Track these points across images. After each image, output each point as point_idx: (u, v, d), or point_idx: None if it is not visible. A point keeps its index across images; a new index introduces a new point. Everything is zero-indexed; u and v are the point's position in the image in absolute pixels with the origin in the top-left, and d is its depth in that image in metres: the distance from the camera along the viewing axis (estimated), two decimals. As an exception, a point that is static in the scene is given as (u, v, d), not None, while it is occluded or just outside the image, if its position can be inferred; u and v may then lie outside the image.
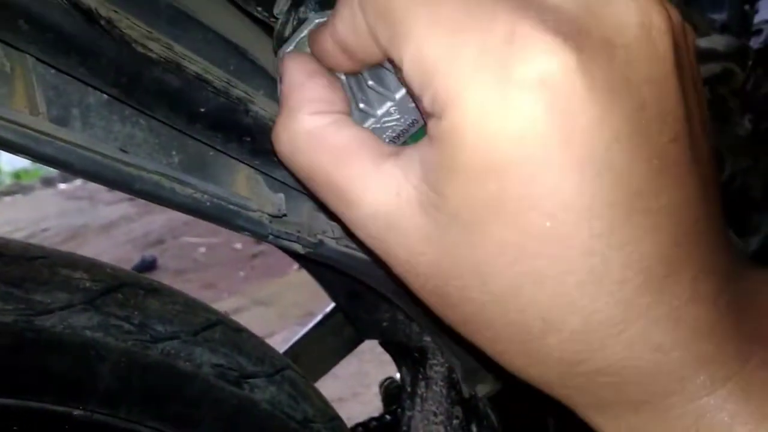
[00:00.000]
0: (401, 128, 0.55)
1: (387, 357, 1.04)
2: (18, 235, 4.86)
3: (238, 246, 3.86)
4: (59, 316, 0.59)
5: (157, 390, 0.65)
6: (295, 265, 3.62)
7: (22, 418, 0.59)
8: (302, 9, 0.50)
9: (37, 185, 6.06)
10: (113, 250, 4.32)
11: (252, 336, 0.76)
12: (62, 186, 5.72)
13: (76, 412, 0.61)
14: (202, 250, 4.09)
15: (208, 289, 3.71)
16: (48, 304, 0.59)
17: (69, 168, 0.51)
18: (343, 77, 0.53)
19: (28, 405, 0.59)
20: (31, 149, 0.49)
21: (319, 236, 0.65)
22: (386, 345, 1.02)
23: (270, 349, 0.78)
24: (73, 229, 4.66)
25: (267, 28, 0.59)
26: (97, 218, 4.65)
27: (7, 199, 5.59)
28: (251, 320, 3.08)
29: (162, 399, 0.65)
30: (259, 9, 0.54)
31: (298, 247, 0.65)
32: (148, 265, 4.18)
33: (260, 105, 0.54)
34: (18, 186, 6.31)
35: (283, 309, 3.26)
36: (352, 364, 1.25)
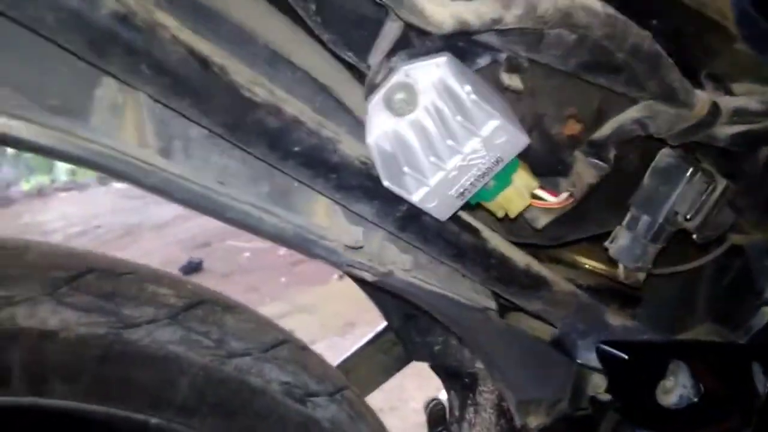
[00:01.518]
0: (486, 166, 0.57)
1: (427, 371, 1.05)
2: (71, 231, 5.03)
3: (282, 252, 3.92)
4: (146, 329, 0.63)
5: (229, 404, 0.68)
6: (336, 275, 3.66)
7: (105, 423, 0.63)
8: (394, 59, 0.53)
9: (92, 182, 6.27)
10: (162, 250, 4.44)
11: (315, 355, 0.79)
12: (117, 185, 5.92)
13: (153, 421, 0.64)
14: (247, 254, 4.17)
15: (251, 292, 3.78)
16: (136, 318, 0.63)
17: (170, 197, 0.55)
18: (428, 118, 0.56)
19: (111, 412, 0.63)
20: (136, 179, 0.53)
21: (389, 266, 0.68)
22: (436, 368, 1.04)
23: (330, 368, 0.81)
24: (125, 228, 4.82)
25: (352, 68, 0.62)
26: (149, 218, 4.79)
27: (63, 194, 5.81)
28: (293, 327, 3.13)
29: (233, 412, 0.68)
30: (351, 54, 0.57)
31: (368, 276, 0.68)
32: (195, 267, 4.28)
33: (346, 144, 0.57)
34: (73, 183, 6.54)
35: (325, 318, 3.29)
36: (391, 377, 1.27)
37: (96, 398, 0.63)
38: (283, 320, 3.36)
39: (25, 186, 6.30)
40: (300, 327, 3.21)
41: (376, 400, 1.26)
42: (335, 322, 3.20)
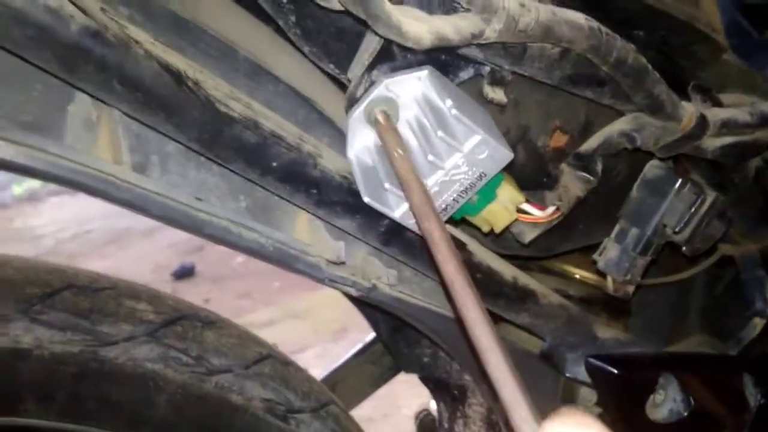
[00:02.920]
0: (469, 182, 0.56)
1: (417, 381, 1.04)
2: (63, 236, 4.99)
3: (275, 257, 3.88)
4: (122, 347, 0.62)
5: (209, 422, 0.67)
6: (330, 280, 3.64)
7: (83, 443, 0.62)
8: (375, 72, 0.52)
9: (84, 186, 6.19)
10: (154, 255, 4.40)
11: (299, 370, 0.78)
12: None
13: (132, 440, 0.63)
14: (240, 259, 4.14)
15: (243, 298, 3.75)
16: (112, 335, 0.62)
17: (146, 213, 0.54)
18: (410, 132, 0.55)
19: (88, 431, 0.62)
20: (111, 195, 0.51)
21: (373, 281, 0.66)
22: (425, 380, 1.03)
23: (315, 384, 0.80)
24: (117, 232, 4.78)
25: (336, 80, 0.61)
26: (140, 222, 4.75)
27: (54, 199, 5.76)
28: (285, 333, 3.11)
29: (213, 431, 0.67)
30: (332, 66, 0.56)
31: (352, 291, 0.66)
32: (187, 272, 4.24)
33: (327, 159, 0.56)
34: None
35: (317, 324, 3.27)
36: (380, 388, 1.27)
37: (72, 417, 0.61)
38: (276, 326, 3.34)
39: (16, 190, 6.26)
40: (292, 333, 3.19)
41: (368, 407, 1.25)
42: (328, 328, 3.18)
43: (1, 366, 0.57)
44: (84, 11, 0.42)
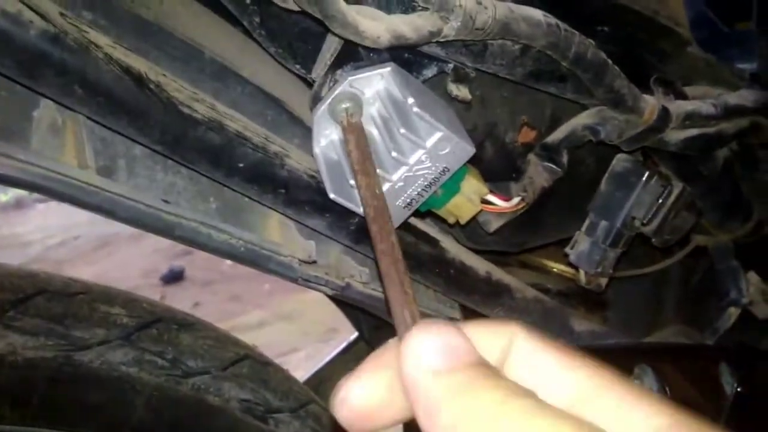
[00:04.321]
0: (432, 176, 0.56)
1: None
2: (50, 242, 4.97)
3: (264, 259, 3.87)
4: (97, 351, 0.62)
5: (186, 423, 0.67)
6: (320, 280, 3.64)
7: (59, 448, 0.62)
8: (339, 71, 0.52)
9: (71, 192, 6.15)
10: (142, 260, 4.38)
11: (278, 370, 0.78)
12: (95, 194, 5.82)
13: (109, 444, 0.63)
14: (229, 261, 4.14)
15: (233, 301, 3.74)
16: (87, 339, 0.62)
17: (114, 217, 0.54)
18: (374, 129, 0.55)
19: (64, 436, 0.62)
20: (78, 200, 0.52)
21: (347, 279, 0.67)
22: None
23: (295, 383, 0.80)
24: (104, 238, 4.76)
25: (303, 79, 0.61)
26: (128, 228, 4.72)
27: (41, 206, 5.73)
28: (276, 336, 3.11)
29: (191, 432, 0.67)
30: (298, 67, 0.56)
31: (326, 290, 0.67)
32: (176, 276, 4.23)
33: (295, 158, 0.56)
34: (52, 193, 6.41)
35: (306, 325, 3.27)
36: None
37: (47, 422, 0.61)
38: (266, 328, 3.34)
39: (2, 197, 6.22)
40: (282, 335, 3.19)
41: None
42: (318, 329, 3.18)
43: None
44: (43, 16, 0.42)
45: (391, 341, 0.29)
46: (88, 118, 0.49)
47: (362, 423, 0.28)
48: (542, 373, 0.28)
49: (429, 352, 0.26)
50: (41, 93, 0.46)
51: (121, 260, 4.56)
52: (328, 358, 1.25)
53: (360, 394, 0.28)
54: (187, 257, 4.44)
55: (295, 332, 3.26)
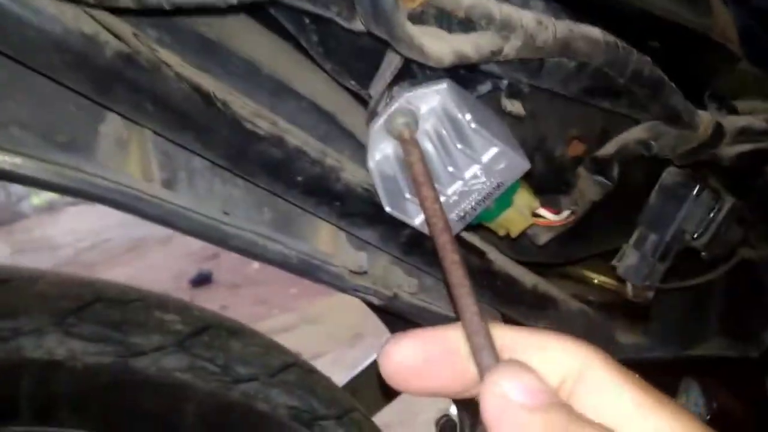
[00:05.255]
0: (487, 191, 0.57)
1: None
2: (81, 245, 5.05)
3: (291, 263, 3.89)
4: (152, 357, 0.64)
5: (236, 429, 0.68)
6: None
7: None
8: (396, 88, 0.53)
9: (101, 195, 6.24)
10: (171, 263, 4.45)
11: (323, 377, 0.79)
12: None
13: (162, 449, 0.65)
14: (256, 266, 4.17)
15: (260, 305, 3.78)
16: (142, 346, 0.63)
17: (176, 227, 0.55)
18: (429, 145, 0.56)
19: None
20: (143, 212, 0.53)
21: (395, 290, 0.68)
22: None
23: (339, 391, 0.81)
24: (134, 241, 4.84)
25: (355, 94, 0.62)
26: (157, 230, 4.80)
27: (72, 209, 5.84)
28: (301, 339, 3.12)
29: (240, 439, 0.68)
30: (353, 83, 0.57)
31: (374, 299, 0.68)
32: (204, 279, 4.28)
33: (349, 172, 0.57)
34: (83, 196, 6.52)
35: (333, 329, 3.29)
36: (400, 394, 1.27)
37: (103, 427, 0.63)
38: (292, 332, 3.36)
39: (35, 200, 6.34)
40: (308, 339, 3.21)
41: (385, 414, 1.26)
42: (344, 333, 3.19)
43: (36, 377, 0.59)
44: (118, 37, 0.44)
45: (448, 329, 0.32)
46: (155, 132, 0.51)
47: (395, 378, 0.31)
48: (618, 410, 0.28)
49: (517, 388, 0.27)
50: (112, 109, 0.48)
51: (151, 263, 4.63)
52: (362, 366, 1.25)
53: (402, 353, 0.31)
54: (215, 261, 4.49)
55: (321, 336, 3.27)
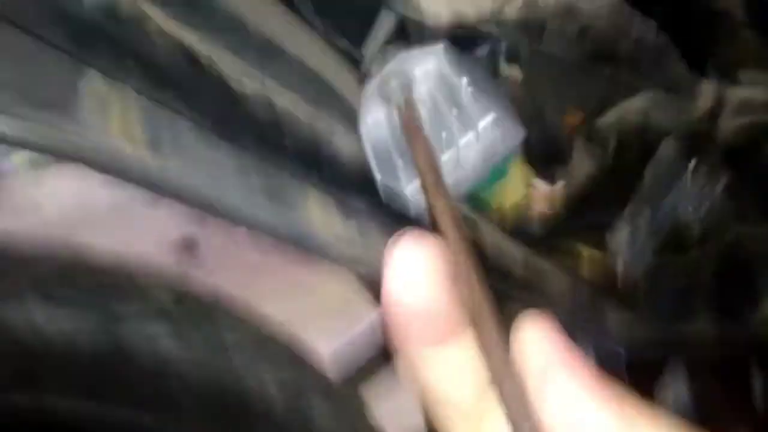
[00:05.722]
0: (481, 159, 0.55)
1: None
2: (65, 205, 5.02)
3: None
4: (137, 324, 0.62)
5: (222, 401, 0.67)
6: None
7: (98, 422, 0.62)
8: (389, 49, 0.51)
9: (86, 158, 6.18)
10: (156, 225, 4.43)
11: (310, 350, 0.79)
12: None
13: (146, 419, 0.64)
14: (243, 230, 4.17)
15: (247, 270, 3.79)
16: (127, 313, 0.62)
17: (159, 191, 0.53)
18: (423, 109, 0.54)
19: (103, 410, 0.62)
20: (125, 174, 0.51)
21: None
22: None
23: (326, 364, 0.80)
24: (119, 203, 4.81)
25: (347, 55, 0.60)
26: (142, 191, 4.75)
27: (55, 169, 5.78)
28: (289, 307, 3.14)
29: (227, 411, 0.67)
30: (345, 42, 0.55)
31: (362, 269, 0.66)
32: (190, 244, 4.29)
33: (340, 136, 0.55)
34: (68, 157, 6.44)
35: (321, 298, 3.30)
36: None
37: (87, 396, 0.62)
38: (280, 300, 3.37)
39: (16, 159, 6.28)
40: (296, 307, 3.22)
41: (373, 384, 1.27)
42: (332, 303, 3.20)
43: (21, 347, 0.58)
44: (96, -14, 0.41)
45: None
46: (137, 91, 0.49)
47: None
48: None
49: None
50: (92, 66, 0.45)
51: (135, 226, 4.60)
52: (348, 334, 1.24)
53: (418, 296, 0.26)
54: (201, 225, 4.49)
55: (310, 305, 3.29)
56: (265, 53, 0.58)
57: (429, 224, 0.63)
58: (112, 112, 0.52)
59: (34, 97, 0.48)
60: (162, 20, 0.44)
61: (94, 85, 0.50)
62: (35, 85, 0.49)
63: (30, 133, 0.48)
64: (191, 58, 0.45)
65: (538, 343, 0.27)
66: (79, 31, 0.42)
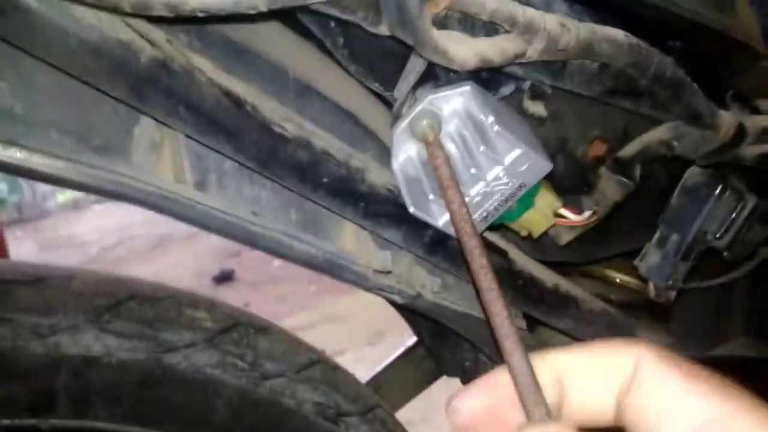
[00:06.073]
0: (509, 192, 0.58)
1: (457, 381, 1.06)
2: (106, 243, 5.14)
3: (311, 261, 3.91)
4: (183, 353, 0.66)
5: (263, 424, 0.70)
6: (366, 283, 3.66)
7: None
8: (419, 90, 0.54)
9: (125, 194, 6.32)
10: (194, 260, 4.51)
11: (347, 374, 0.81)
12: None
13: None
14: (277, 263, 4.21)
15: (281, 302, 3.82)
16: (174, 342, 0.65)
17: (207, 228, 0.57)
18: (452, 146, 0.57)
19: (152, 433, 0.65)
20: (176, 213, 0.55)
21: (418, 289, 0.69)
22: (467, 384, 1.04)
23: (363, 387, 0.82)
24: (158, 238, 4.92)
25: (379, 95, 0.64)
26: (180, 228, 4.87)
27: (98, 207, 5.95)
28: (322, 338, 3.15)
29: (267, 433, 0.70)
30: (377, 85, 0.59)
31: (397, 298, 0.69)
32: (226, 277, 4.34)
33: (374, 173, 0.58)
34: (108, 194, 6.61)
35: (353, 327, 3.31)
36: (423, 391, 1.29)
37: (136, 421, 0.65)
38: (312, 330, 3.39)
39: (60, 198, 6.46)
40: (328, 337, 3.23)
41: (407, 410, 1.27)
42: (364, 332, 3.21)
43: (73, 372, 0.61)
44: (153, 43, 0.46)
45: (497, 372, 0.33)
46: (187, 136, 0.53)
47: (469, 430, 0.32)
48: (669, 401, 0.29)
49: None
50: (147, 113, 0.50)
51: (174, 260, 4.70)
52: (385, 363, 1.26)
53: (469, 405, 0.33)
54: (237, 258, 4.55)
55: (342, 334, 3.29)
56: (304, 97, 0.61)
57: (460, 257, 0.66)
58: (163, 155, 0.56)
59: (92, 143, 0.53)
60: (210, 70, 0.48)
61: (147, 130, 0.55)
62: (93, 131, 0.53)
63: (88, 177, 0.52)
64: (237, 105, 0.49)
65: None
66: (136, 83, 0.46)
